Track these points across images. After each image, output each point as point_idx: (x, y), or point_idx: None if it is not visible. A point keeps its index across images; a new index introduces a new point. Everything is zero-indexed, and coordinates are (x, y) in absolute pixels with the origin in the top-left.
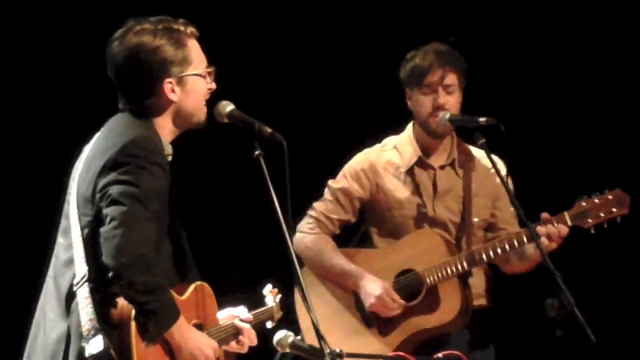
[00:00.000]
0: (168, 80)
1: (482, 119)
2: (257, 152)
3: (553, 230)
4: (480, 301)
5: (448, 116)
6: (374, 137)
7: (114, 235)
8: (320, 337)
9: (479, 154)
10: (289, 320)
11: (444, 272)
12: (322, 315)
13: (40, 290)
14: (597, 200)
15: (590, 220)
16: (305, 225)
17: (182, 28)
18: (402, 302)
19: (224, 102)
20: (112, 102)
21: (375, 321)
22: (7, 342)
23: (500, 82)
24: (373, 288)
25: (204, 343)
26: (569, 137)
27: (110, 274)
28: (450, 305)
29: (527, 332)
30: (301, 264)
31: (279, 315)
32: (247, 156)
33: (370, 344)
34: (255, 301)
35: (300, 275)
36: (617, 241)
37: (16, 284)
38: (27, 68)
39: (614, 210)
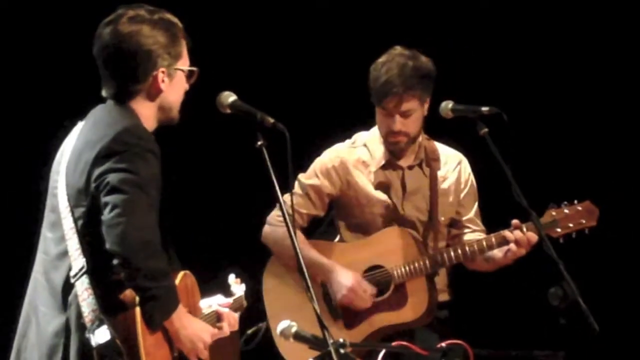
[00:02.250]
0: (162, 69)
1: (485, 108)
2: (259, 142)
3: (521, 236)
4: (442, 296)
5: (450, 105)
6: (343, 132)
7: (118, 222)
8: (323, 326)
9: (445, 152)
10: (257, 309)
11: (413, 270)
12: (289, 305)
13: (25, 287)
14: (566, 210)
15: (559, 230)
16: (274, 217)
17: (176, 22)
18: (374, 291)
19: (226, 93)
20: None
21: (341, 313)
22: None
23: (505, 75)
24: (344, 279)
25: (201, 328)
26: (565, 136)
27: (115, 261)
28: (417, 303)
29: (530, 321)
30: (269, 255)
31: (245, 304)
32: (249, 146)
33: (335, 336)
34: (217, 291)
35: (304, 268)
36: (619, 230)
37: None
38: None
39: (583, 221)
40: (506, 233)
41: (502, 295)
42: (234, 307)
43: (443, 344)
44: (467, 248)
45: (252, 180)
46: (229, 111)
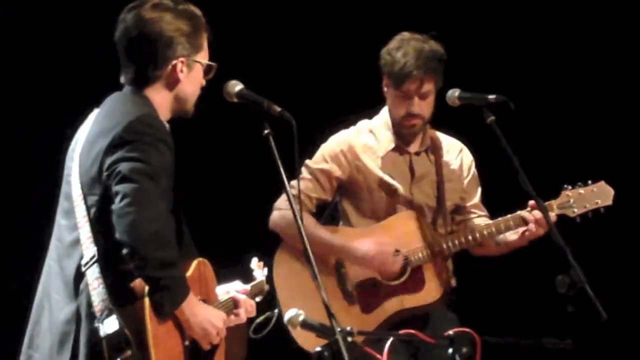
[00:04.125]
0: (181, 58)
1: (491, 96)
2: (266, 131)
3: (540, 216)
4: (451, 282)
5: (457, 93)
6: (350, 120)
7: (128, 212)
8: (330, 314)
9: (446, 141)
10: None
11: (430, 254)
12: (302, 291)
13: (39, 273)
14: (581, 191)
15: (575, 210)
16: (283, 202)
17: (199, 14)
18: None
19: (233, 82)
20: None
21: (356, 297)
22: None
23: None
24: (368, 245)
25: (213, 315)
26: (573, 121)
27: (124, 251)
28: (434, 286)
29: (537, 308)
30: (279, 241)
31: (266, 288)
32: (256, 134)
33: (351, 320)
34: (239, 275)
35: (310, 253)
36: (627, 218)
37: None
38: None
39: (598, 201)
40: (524, 214)
41: (510, 283)
42: (252, 293)
43: (451, 332)
44: (484, 230)
45: (261, 168)
46: (236, 100)
